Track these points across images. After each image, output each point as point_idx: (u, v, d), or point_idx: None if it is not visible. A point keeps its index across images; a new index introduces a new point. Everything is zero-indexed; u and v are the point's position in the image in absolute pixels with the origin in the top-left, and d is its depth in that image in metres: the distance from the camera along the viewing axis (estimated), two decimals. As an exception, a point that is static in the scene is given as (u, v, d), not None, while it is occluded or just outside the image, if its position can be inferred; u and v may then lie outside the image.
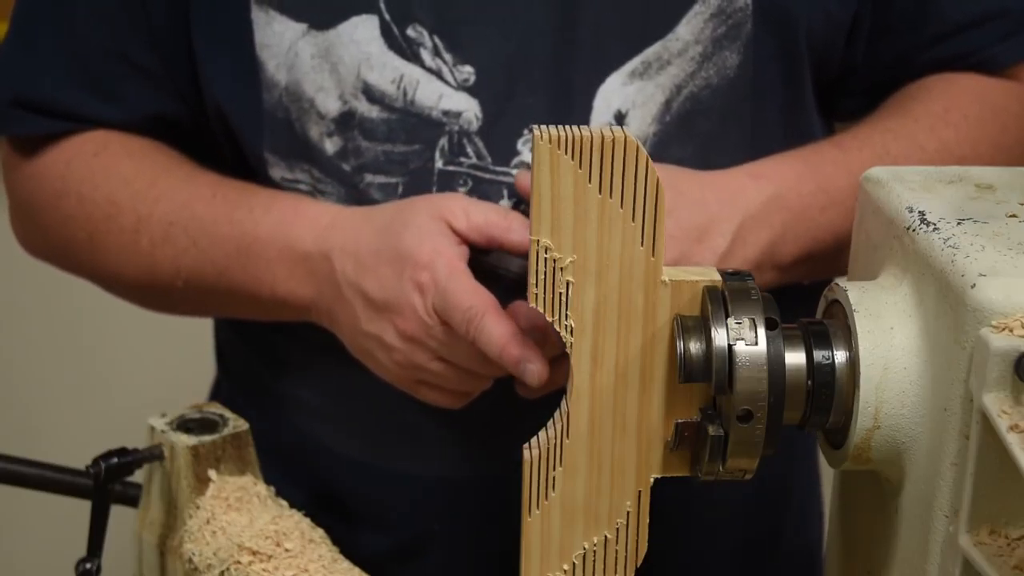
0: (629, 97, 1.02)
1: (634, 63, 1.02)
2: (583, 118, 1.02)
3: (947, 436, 0.76)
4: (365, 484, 1.13)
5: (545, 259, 0.81)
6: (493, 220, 0.95)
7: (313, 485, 1.14)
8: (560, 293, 0.82)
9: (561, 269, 0.82)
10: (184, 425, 1.05)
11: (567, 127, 0.81)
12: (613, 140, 0.80)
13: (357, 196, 1.03)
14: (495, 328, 0.90)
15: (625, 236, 0.81)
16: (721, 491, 1.08)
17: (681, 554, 1.15)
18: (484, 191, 1.03)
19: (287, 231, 1.01)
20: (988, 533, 0.75)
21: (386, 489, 1.13)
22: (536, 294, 0.82)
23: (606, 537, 0.86)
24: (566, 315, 0.82)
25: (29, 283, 1.31)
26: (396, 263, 0.95)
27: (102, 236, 1.08)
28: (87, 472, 1.07)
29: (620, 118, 1.03)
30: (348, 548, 0.98)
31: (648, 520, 0.86)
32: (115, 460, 1.06)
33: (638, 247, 0.82)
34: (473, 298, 0.92)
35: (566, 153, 0.80)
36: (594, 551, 0.86)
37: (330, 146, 1.02)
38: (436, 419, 1.06)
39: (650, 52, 1.02)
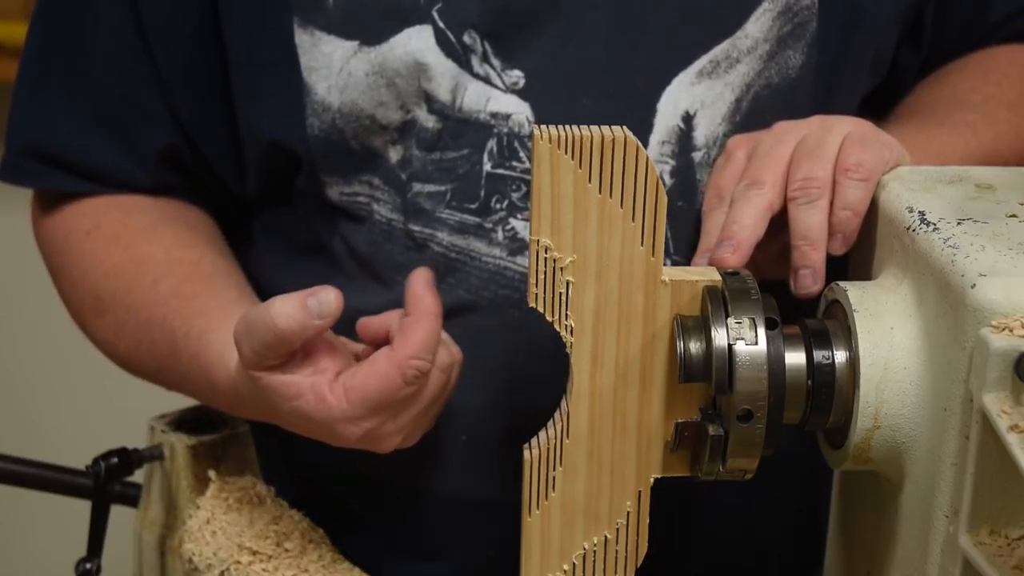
0: (698, 97, 1.00)
1: (702, 62, 1.00)
2: (647, 120, 1.00)
3: (947, 436, 0.76)
4: (415, 511, 1.09)
5: (545, 259, 0.81)
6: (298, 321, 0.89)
7: (354, 513, 1.10)
8: (560, 293, 0.82)
9: (561, 269, 0.82)
10: (184, 425, 1.05)
11: (567, 127, 0.81)
12: (613, 140, 0.80)
13: (406, 206, 1.02)
14: (418, 342, 0.88)
15: (625, 236, 0.81)
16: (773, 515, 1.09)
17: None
18: None
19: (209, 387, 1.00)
20: (988, 533, 0.75)
21: (438, 515, 1.08)
22: (536, 294, 0.82)
23: (606, 537, 0.86)
24: (566, 315, 0.82)
25: (29, 283, 1.31)
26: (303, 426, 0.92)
27: (91, 327, 1.08)
28: (87, 472, 1.08)
29: (688, 119, 1.01)
30: None
31: (648, 520, 0.86)
32: (115, 460, 1.06)
33: (638, 247, 0.82)
34: (383, 377, 0.88)
35: (566, 153, 0.80)
36: (594, 551, 0.86)
37: (393, 155, 1.01)
38: (491, 442, 1.04)
39: (718, 50, 1.00)
